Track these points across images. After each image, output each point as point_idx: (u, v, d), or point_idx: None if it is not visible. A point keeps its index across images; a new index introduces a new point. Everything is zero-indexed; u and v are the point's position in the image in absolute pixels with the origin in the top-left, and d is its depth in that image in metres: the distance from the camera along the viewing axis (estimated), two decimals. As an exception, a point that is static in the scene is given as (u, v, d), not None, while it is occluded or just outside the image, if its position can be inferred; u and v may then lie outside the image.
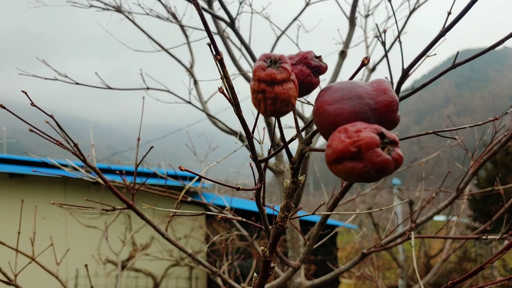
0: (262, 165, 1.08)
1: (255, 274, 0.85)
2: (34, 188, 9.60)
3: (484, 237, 2.16)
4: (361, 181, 0.61)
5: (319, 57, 0.73)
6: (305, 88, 0.72)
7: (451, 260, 12.08)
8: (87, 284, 9.22)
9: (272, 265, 0.83)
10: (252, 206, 10.09)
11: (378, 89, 0.67)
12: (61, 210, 8.80)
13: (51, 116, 1.37)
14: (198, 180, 3.72)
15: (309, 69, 0.71)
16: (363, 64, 0.85)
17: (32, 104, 1.34)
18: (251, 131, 1.01)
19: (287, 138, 1.05)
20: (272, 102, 0.65)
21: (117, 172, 1.98)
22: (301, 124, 3.34)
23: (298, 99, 0.77)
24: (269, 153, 1.15)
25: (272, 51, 3.39)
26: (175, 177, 3.73)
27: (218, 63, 0.86)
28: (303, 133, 0.86)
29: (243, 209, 10.11)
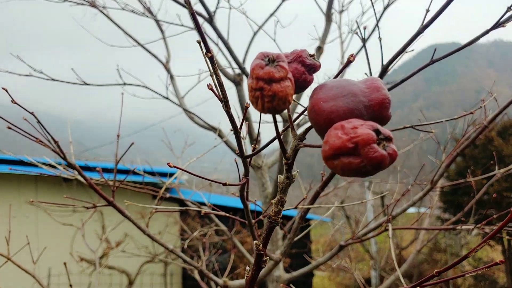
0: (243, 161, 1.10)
1: (247, 268, 0.87)
2: (4, 186, 9.37)
3: (459, 227, 2.22)
4: (357, 176, 0.63)
5: (313, 56, 0.75)
6: (300, 85, 0.74)
7: (422, 251, 12.36)
8: (60, 283, 9.08)
9: (264, 258, 0.85)
10: (228, 201, 10.09)
11: (372, 87, 0.69)
12: (32, 208, 8.63)
13: (31, 113, 1.35)
14: (172, 176, 3.70)
15: (303, 67, 0.73)
16: (349, 61, 0.87)
17: (13, 101, 1.32)
18: (238, 127, 1.02)
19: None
20: (270, 100, 0.66)
21: (97, 169, 1.96)
22: (279, 119, 3.36)
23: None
24: (254, 149, 1.16)
25: (249, 46, 3.41)
26: (152, 173, 3.70)
27: (208, 60, 0.87)
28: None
29: (220, 205, 10.11)
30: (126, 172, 2.54)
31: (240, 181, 1.37)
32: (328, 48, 3.52)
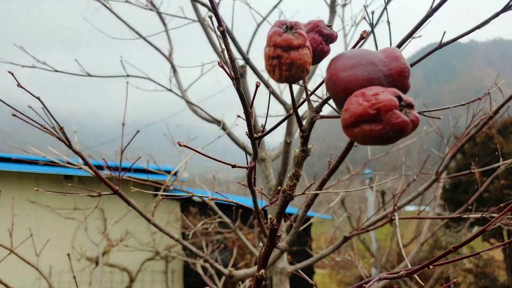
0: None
1: (260, 244, 0.86)
2: (4, 184, 9.35)
3: (466, 215, 2.21)
4: (378, 144, 0.62)
5: (330, 26, 0.73)
6: (317, 56, 0.72)
7: (423, 248, 12.37)
8: (60, 281, 9.06)
9: (278, 233, 0.83)
10: (231, 199, 10.07)
11: (391, 56, 0.68)
12: (32, 206, 8.60)
13: (38, 98, 1.34)
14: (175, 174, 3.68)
15: (321, 37, 0.72)
16: (362, 37, 0.86)
17: (19, 85, 1.31)
18: (249, 106, 1.00)
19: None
20: (287, 68, 0.65)
21: (104, 163, 1.95)
22: (283, 112, 3.35)
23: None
24: (262, 131, 1.15)
25: (253, 38, 3.39)
26: (155, 171, 3.69)
27: (220, 34, 0.86)
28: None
29: (222, 203, 10.09)
30: (128, 170, 2.52)
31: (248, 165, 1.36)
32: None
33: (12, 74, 1.25)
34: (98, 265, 8.73)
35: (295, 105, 0.75)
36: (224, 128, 3.29)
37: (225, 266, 4.82)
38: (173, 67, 3.81)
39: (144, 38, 3.66)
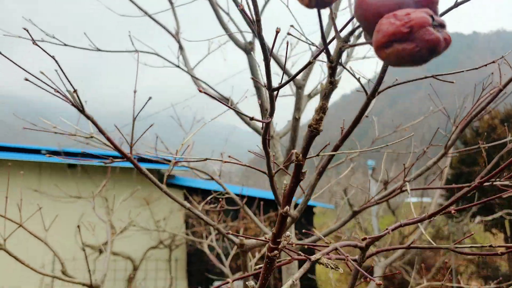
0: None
1: (284, 182, 0.86)
2: (6, 172, 9.35)
3: (477, 184, 2.20)
4: (411, 64, 0.62)
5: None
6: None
7: (424, 238, 12.38)
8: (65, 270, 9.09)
9: (303, 170, 0.83)
10: (235, 190, 10.09)
11: (420, -17, 0.67)
12: (36, 195, 8.61)
13: (52, 57, 1.34)
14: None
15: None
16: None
17: (34, 42, 1.30)
18: (269, 53, 1.00)
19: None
20: (317, -10, 0.65)
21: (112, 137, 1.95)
22: (291, 92, 3.34)
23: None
24: (278, 86, 1.14)
25: (261, 13, 3.37)
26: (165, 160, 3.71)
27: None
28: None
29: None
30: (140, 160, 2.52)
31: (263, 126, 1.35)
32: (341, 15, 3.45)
33: (27, 30, 1.25)
34: (102, 253, 8.78)
35: (324, 36, 0.74)
36: (231, 104, 3.29)
37: (228, 254, 4.86)
38: (180, 45, 3.80)
39: (150, 16, 3.65)
